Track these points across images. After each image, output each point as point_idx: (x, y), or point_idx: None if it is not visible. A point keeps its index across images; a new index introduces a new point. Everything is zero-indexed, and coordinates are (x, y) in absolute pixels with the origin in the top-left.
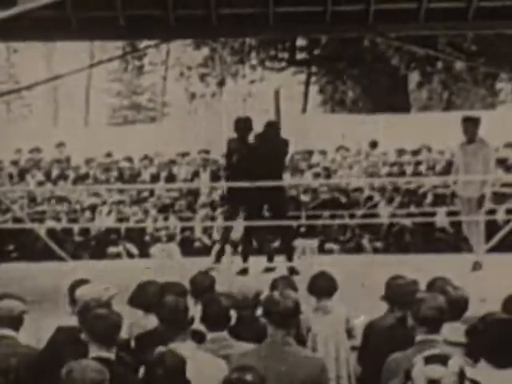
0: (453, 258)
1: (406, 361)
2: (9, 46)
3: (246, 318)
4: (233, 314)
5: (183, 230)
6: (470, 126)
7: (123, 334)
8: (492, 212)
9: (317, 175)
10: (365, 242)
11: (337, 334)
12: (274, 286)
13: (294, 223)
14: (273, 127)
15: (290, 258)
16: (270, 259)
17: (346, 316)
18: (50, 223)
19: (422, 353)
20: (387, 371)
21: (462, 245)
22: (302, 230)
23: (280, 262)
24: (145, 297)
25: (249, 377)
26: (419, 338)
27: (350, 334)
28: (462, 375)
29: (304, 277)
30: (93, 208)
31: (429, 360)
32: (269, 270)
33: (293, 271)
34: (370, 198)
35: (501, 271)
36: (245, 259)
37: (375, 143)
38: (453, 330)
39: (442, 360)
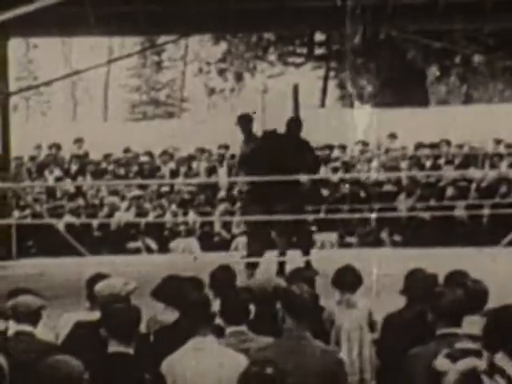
0: (472, 252)
1: (427, 355)
2: (28, 42)
3: (264, 312)
4: (252, 308)
5: (202, 224)
6: (245, 123)
7: (142, 328)
8: (510, 206)
9: (336, 169)
10: (384, 235)
11: (360, 328)
12: (290, 278)
13: (313, 217)
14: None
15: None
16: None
17: (369, 309)
18: (69, 218)
19: (450, 346)
20: (408, 365)
21: (482, 238)
22: (322, 224)
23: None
24: (168, 291)
25: (269, 370)
26: (440, 331)
27: (372, 327)
28: (471, 376)
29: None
30: (112, 203)
31: (450, 353)
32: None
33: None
34: (389, 191)
35: None
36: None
37: (394, 135)
38: (472, 324)
39: (458, 356)
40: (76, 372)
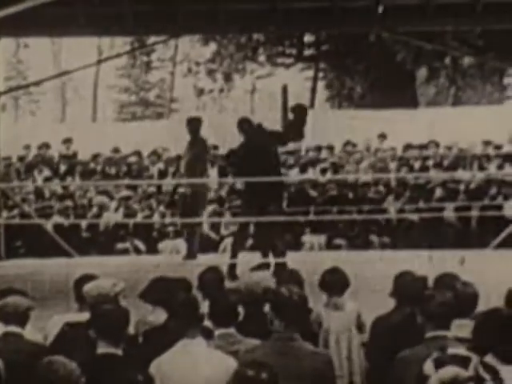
0: (461, 254)
1: (416, 358)
2: (18, 42)
3: (253, 314)
4: (240, 310)
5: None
6: (193, 125)
7: (131, 329)
8: (499, 208)
9: (324, 171)
10: (373, 237)
11: (349, 330)
12: (278, 279)
13: (301, 219)
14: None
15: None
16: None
17: (357, 311)
18: (58, 219)
19: (440, 349)
20: (398, 368)
21: (471, 240)
22: (310, 225)
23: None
24: (156, 293)
25: (264, 375)
26: (429, 334)
27: (360, 329)
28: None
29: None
30: (100, 204)
31: (439, 357)
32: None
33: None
34: (377, 193)
35: (508, 266)
36: (234, 255)
37: (384, 135)
38: (462, 327)
39: (444, 362)
40: (74, 375)
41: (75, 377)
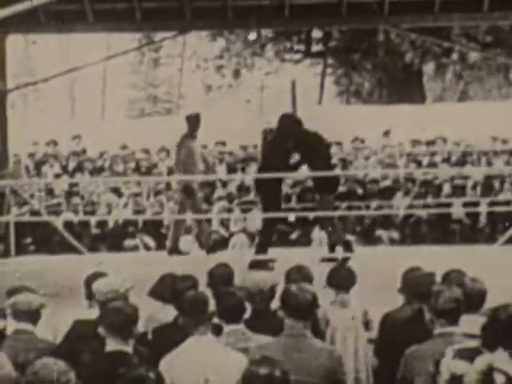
0: (469, 250)
1: (425, 354)
2: (27, 39)
3: (261, 310)
4: (247, 306)
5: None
6: (194, 121)
7: (140, 327)
8: (507, 203)
9: (333, 166)
10: (381, 233)
11: (355, 328)
12: (288, 276)
13: (310, 215)
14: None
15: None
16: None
17: (364, 308)
18: (67, 216)
19: (452, 345)
20: (406, 363)
21: (479, 236)
22: (319, 221)
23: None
24: (165, 289)
25: (276, 372)
26: (437, 330)
27: (367, 326)
28: (489, 373)
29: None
30: (109, 200)
31: (458, 354)
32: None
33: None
34: (386, 189)
35: None
36: (264, 251)
37: (388, 132)
38: (470, 323)
39: (471, 355)
40: (62, 373)
41: (63, 374)
